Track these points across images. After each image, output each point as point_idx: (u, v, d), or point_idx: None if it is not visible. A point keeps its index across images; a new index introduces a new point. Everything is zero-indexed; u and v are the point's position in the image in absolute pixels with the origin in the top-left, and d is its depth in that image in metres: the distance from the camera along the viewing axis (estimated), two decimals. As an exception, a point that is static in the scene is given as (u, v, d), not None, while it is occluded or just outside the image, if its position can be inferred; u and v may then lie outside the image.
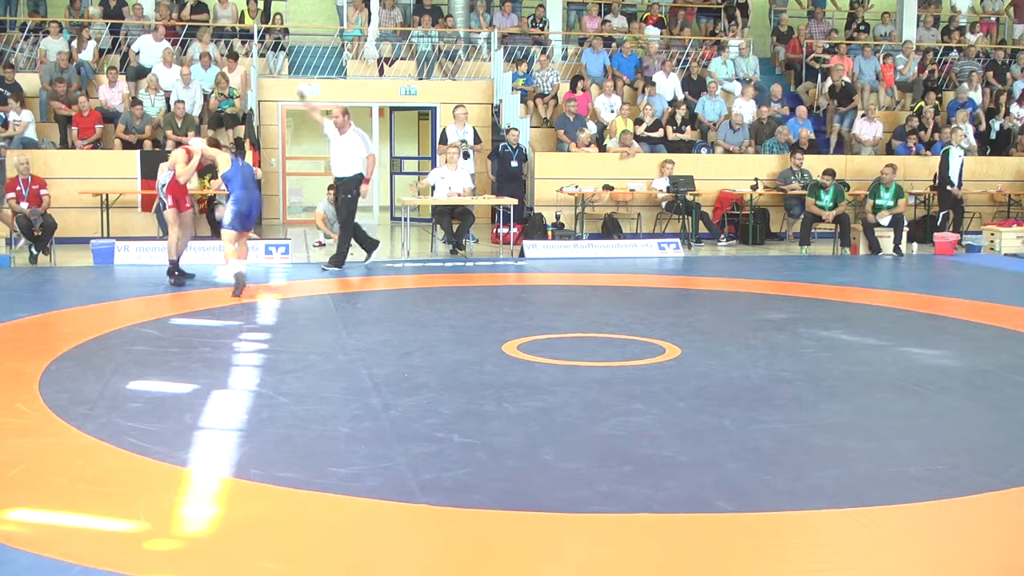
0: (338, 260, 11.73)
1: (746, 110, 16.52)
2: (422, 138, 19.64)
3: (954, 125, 16.38)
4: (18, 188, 12.17)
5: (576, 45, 18.56)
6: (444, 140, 14.62)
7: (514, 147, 14.62)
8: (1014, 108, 17.92)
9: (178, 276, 10.62)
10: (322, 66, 17.22)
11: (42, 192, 12.23)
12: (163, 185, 10.72)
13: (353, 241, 11.98)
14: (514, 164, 14.60)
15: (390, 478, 4.53)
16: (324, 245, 13.76)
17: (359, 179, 11.67)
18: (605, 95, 16.40)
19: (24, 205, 12.10)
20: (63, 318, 8.81)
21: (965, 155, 15.46)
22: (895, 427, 5.52)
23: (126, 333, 7.86)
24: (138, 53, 16.20)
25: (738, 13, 19.46)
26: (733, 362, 6.99)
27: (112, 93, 15.39)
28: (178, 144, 14.35)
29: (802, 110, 16.82)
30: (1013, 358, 7.28)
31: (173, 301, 9.62)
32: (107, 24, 17.05)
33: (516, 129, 14.80)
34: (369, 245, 12.24)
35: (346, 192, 11.66)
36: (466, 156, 14.50)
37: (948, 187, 14.89)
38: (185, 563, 3.71)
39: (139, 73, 15.94)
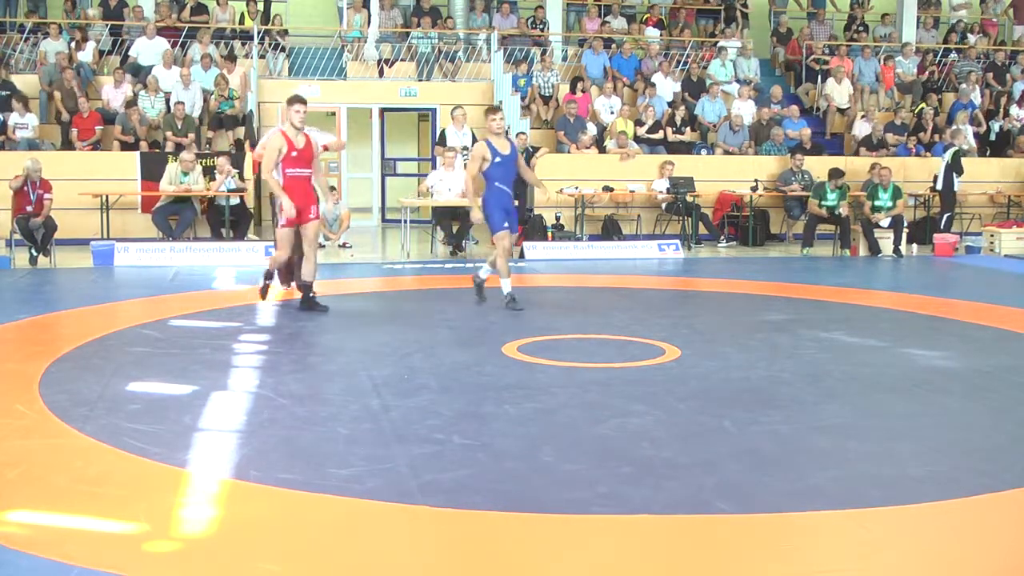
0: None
1: (746, 111, 16.53)
2: (421, 139, 19.63)
3: (954, 127, 16.39)
4: (25, 189, 12.11)
5: (576, 46, 18.57)
6: (443, 142, 14.61)
7: (523, 151, 14.64)
8: (1014, 109, 17.93)
9: (311, 301, 8.91)
10: (322, 67, 17.22)
11: (45, 197, 12.15)
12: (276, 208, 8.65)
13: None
14: None
15: (390, 479, 4.53)
16: (324, 246, 13.74)
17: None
18: (605, 96, 16.40)
19: (28, 209, 12.07)
20: (63, 319, 8.81)
21: (964, 156, 15.45)
22: (895, 428, 5.51)
23: (126, 334, 7.85)
24: (136, 56, 16.19)
25: (737, 14, 19.47)
26: (733, 363, 6.98)
27: (116, 94, 15.37)
28: (192, 152, 14.31)
29: (794, 109, 16.84)
30: (1013, 359, 7.28)
31: (173, 303, 9.61)
32: (107, 25, 17.05)
33: (524, 133, 14.81)
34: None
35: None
36: (473, 139, 14.57)
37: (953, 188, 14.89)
38: (184, 564, 3.70)
39: (137, 72, 15.91)
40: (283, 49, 17.49)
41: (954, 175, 14.87)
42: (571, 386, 6.29)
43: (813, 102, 18.08)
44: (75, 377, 6.39)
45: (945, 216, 14.96)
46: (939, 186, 15.09)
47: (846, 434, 5.32)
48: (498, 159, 9.01)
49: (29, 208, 12.06)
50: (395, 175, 18.27)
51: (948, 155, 15.09)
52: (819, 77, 18.18)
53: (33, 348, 7.39)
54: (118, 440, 5.04)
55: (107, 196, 13.72)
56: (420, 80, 17.27)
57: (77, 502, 4.25)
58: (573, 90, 16.53)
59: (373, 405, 5.77)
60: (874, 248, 13.88)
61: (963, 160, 15.21)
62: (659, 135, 15.87)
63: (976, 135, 17.16)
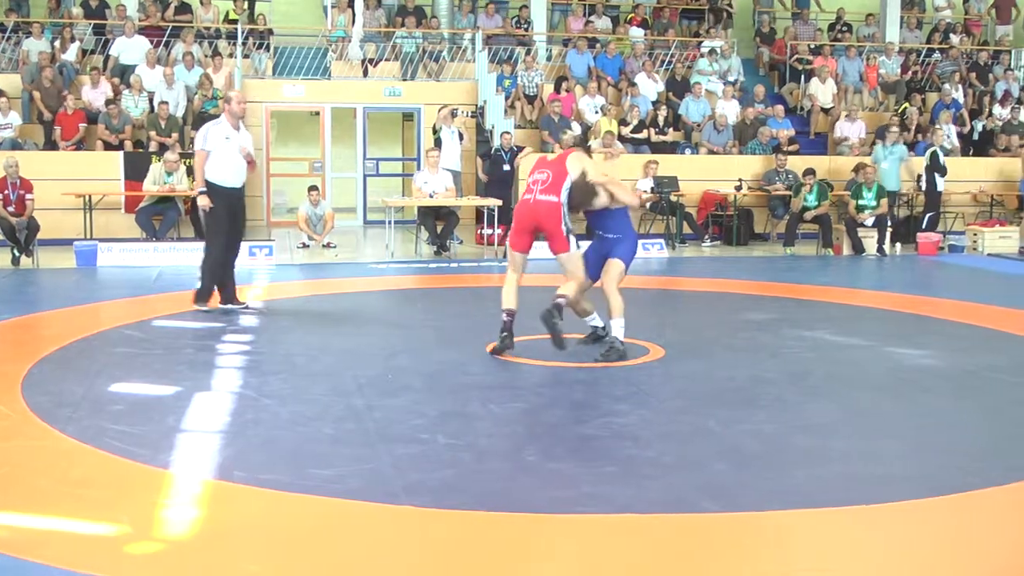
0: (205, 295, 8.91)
1: (730, 111, 16.57)
2: (406, 140, 19.59)
3: (936, 126, 16.47)
4: (6, 192, 12.03)
5: (560, 46, 18.57)
6: (439, 143, 14.51)
7: (507, 151, 14.63)
8: (996, 109, 18.03)
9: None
10: (306, 67, 17.17)
11: (27, 198, 12.08)
12: (567, 228, 7.72)
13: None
14: (507, 168, 14.63)
15: (374, 479, 4.52)
16: (308, 247, 13.72)
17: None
18: (589, 96, 16.41)
19: (11, 209, 11.99)
20: (46, 320, 8.76)
21: (947, 155, 15.51)
22: (879, 427, 5.53)
23: (109, 335, 7.81)
24: (117, 56, 16.10)
25: (724, 14, 19.51)
26: (717, 363, 7.00)
27: (95, 94, 15.27)
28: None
29: (779, 109, 16.90)
30: (996, 357, 7.31)
31: (156, 303, 9.56)
32: (90, 24, 16.96)
33: (509, 133, 14.79)
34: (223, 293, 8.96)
35: (240, 202, 9.07)
36: (460, 137, 14.59)
37: (936, 188, 14.93)
38: (167, 566, 3.69)
39: (122, 72, 15.83)
40: (267, 48, 17.43)
41: (935, 175, 14.91)
42: (556, 386, 6.30)
43: (797, 102, 18.14)
44: (58, 378, 6.36)
45: (927, 216, 14.99)
46: (923, 186, 15.15)
47: (830, 433, 5.34)
48: None
49: (10, 209, 11.98)
50: (376, 175, 18.12)
51: (927, 155, 15.16)
52: (803, 77, 18.24)
53: (15, 349, 7.35)
54: (101, 441, 5.02)
55: (90, 196, 13.65)
56: (404, 80, 17.25)
57: (60, 504, 4.22)
58: (557, 90, 16.55)
59: (357, 405, 5.75)
60: (858, 247, 13.92)
61: (946, 159, 15.27)
62: (643, 135, 15.90)
63: (959, 135, 17.23)
